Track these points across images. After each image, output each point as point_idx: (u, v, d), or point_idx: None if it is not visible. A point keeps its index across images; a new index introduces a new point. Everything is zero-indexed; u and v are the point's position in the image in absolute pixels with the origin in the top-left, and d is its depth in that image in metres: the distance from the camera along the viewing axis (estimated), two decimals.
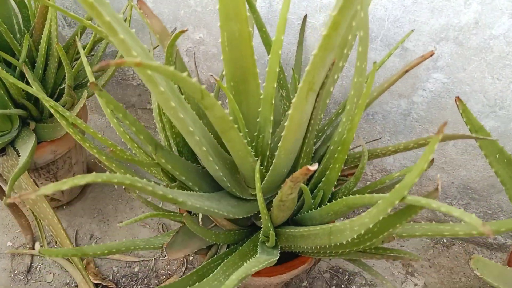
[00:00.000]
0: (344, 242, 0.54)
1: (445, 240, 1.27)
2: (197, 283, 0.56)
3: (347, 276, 1.17)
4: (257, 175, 0.59)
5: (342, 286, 1.15)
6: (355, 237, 0.51)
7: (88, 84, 0.49)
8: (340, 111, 0.84)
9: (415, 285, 1.16)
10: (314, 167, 0.43)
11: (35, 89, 0.69)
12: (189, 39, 1.14)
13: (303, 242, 0.68)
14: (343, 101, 1.02)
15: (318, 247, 0.65)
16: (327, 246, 0.63)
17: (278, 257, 0.70)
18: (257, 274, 0.77)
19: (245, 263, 0.58)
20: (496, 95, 0.89)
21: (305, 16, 0.95)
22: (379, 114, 1.05)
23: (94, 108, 1.58)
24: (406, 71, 0.64)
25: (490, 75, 0.87)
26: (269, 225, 0.67)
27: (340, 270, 1.19)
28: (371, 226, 0.47)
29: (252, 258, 0.63)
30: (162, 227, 1.23)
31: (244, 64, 0.63)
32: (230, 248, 0.78)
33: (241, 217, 0.70)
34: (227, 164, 0.70)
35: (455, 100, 0.66)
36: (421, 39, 0.88)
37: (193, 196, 0.60)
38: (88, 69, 0.57)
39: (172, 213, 0.73)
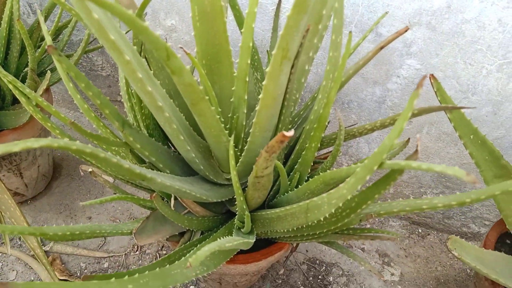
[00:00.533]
0: (322, 219, 0.52)
1: (420, 230, 1.27)
2: (168, 266, 0.53)
3: (324, 267, 1.16)
4: (231, 152, 0.56)
5: (320, 277, 1.14)
6: (333, 212, 0.50)
7: (48, 49, 0.45)
8: (315, 95, 0.82)
9: (392, 274, 1.16)
10: (290, 133, 0.41)
11: None
12: (161, 26, 1.11)
13: (279, 225, 0.66)
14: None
15: (295, 229, 0.63)
16: (304, 226, 0.61)
17: (254, 240, 0.68)
18: (232, 261, 0.75)
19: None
20: (468, 81, 0.90)
21: (280, 1, 0.93)
22: (354, 102, 1.05)
23: (61, 101, 1.51)
24: (382, 47, 0.63)
25: (462, 60, 0.87)
26: (244, 207, 0.64)
27: (317, 262, 1.17)
28: (349, 197, 0.45)
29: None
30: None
31: (217, 41, 0.61)
32: (204, 235, 0.75)
33: (214, 201, 0.67)
34: (200, 147, 0.68)
35: (429, 78, 0.66)
36: (394, 25, 0.88)
37: (164, 176, 0.57)
38: (48, 38, 0.54)
39: (142, 199, 0.70)
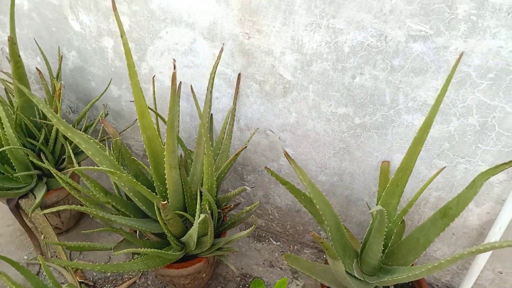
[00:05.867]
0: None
1: (324, 256, 1.74)
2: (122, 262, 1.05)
3: (251, 279, 1.64)
4: (159, 215, 1.09)
5: (247, 286, 1.61)
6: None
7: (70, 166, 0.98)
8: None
9: (297, 285, 1.62)
10: (164, 202, 0.93)
11: (47, 164, 1.22)
12: None
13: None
14: None
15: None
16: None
17: (181, 256, 1.19)
18: (169, 267, 1.25)
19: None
20: (321, 161, 1.41)
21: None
22: (256, 173, 1.57)
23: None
24: (238, 153, 1.16)
25: (314, 150, 1.39)
26: (170, 235, 1.16)
27: (247, 275, 1.65)
28: None
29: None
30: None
31: (157, 150, 1.15)
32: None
33: (156, 232, 1.20)
34: (147, 204, 1.21)
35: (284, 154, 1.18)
36: (274, 131, 1.41)
37: (123, 218, 1.10)
38: (74, 160, 1.10)
39: (117, 230, 1.22)
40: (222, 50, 1.19)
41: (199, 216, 0.99)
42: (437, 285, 1.59)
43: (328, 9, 1.03)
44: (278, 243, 1.81)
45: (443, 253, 1.47)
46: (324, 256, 1.74)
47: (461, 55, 0.93)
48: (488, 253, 1.31)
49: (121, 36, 0.90)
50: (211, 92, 1.21)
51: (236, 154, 1.17)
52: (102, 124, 1.52)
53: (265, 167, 1.12)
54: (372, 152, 1.30)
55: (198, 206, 1.02)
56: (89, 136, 1.06)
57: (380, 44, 1.05)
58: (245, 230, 1.20)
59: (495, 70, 0.99)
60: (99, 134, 1.51)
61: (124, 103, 1.66)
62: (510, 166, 0.74)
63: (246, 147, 1.15)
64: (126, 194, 1.24)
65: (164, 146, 1.01)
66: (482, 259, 1.32)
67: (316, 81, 1.20)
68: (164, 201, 1.11)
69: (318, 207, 1.00)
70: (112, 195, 1.13)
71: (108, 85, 1.52)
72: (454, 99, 1.08)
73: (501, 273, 1.40)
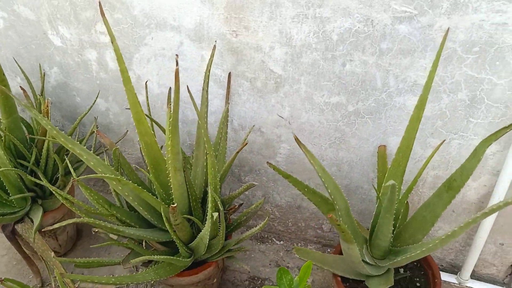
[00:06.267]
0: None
1: (329, 250, 1.75)
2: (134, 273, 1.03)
3: (260, 281, 1.63)
4: (167, 222, 1.08)
5: None
6: None
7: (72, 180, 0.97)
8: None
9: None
10: (174, 205, 0.92)
11: (44, 182, 1.19)
12: None
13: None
14: None
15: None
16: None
17: (190, 263, 1.18)
18: (180, 275, 1.23)
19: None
20: (318, 153, 1.42)
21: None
22: (254, 173, 1.57)
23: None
24: (239, 151, 1.16)
25: (310, 142, 1.40)
26: (178, 241, 1.15)
27: (256, 278, 1.64)
28: None
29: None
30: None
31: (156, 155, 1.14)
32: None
33: (163, 240, 1.18)
34: (152, 213, 1.19)
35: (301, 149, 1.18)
36: (267, 128, 1.42)
37: (130, 228, 1.08)
38: (74, 174, 1.08)
39: (125, 243, 1.20)
40: (215, 47, 1.20)
41: (211, 216, 0.98)
42: (442, 265, 1.61)
43: None
44: (282, 242, 1.80)
45: (445, 232, 1.50)
46: (329, 250, 1.75)
47: (447, 31, 0.96)
48: (490, 226, 1.34)
49: (112, 42, 0.90)
50: (207, 91, 1.21)
51: (236, 152, 1.17)
52: (93, 140, 1.50)
53: (267, 162, 1.12)
54: (367, 138, 1.32)
55: (209, 204, 1.02)
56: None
57: (367, 29, 1.08)
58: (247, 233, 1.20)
59: (479, 43, 1.03)
60: (92, 149, 1.49)
61: (112, 116, 1.64)
62: (511, 129, 0.77)
63: (246, 143, 1.16)
64: (128, 205, 1.22)
65: (164, 150, 1.00)
66: (484, 232, 1.35)
67: (307, 72, 1.22)
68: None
69: (329, 191, 1.01)
70: (116, 207, 1.11)
71: (96, 98, 1.50)
72: (442, 76, 1.11)
73: (502, 245, 1.43)
